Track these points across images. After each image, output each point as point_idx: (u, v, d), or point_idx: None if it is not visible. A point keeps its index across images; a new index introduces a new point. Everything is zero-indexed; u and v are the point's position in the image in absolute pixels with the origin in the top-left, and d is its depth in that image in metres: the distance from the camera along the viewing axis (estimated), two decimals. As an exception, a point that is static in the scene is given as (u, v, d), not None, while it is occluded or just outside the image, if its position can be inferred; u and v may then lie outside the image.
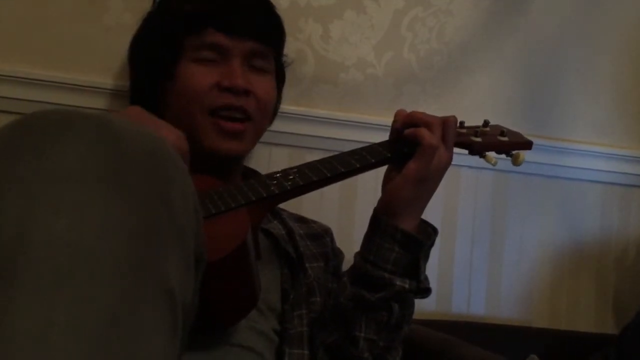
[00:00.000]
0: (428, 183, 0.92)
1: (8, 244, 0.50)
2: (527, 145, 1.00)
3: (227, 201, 0.85)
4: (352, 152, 0.94)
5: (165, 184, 0.57)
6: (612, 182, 1.54)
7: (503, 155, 0.99)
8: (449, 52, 1.42)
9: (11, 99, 1.16)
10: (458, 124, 0.97)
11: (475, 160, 1.00)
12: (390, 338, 0.95)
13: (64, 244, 0.50)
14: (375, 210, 0.95)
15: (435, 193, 0.95)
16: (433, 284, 0.96)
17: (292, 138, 1.31)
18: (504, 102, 1.46)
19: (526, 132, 1.04)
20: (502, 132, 0.99)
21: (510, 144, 0.99)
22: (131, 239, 0.53)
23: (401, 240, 0.91)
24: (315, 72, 1.34)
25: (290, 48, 1.20)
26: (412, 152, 0.91)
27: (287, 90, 1.20)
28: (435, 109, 1.31)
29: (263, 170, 1.14)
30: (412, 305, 0.97)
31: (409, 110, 0.96)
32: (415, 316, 0.99)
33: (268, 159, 1.30)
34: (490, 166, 0.98)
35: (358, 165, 0.92)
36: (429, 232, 0.95)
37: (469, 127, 1.00)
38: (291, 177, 0.90)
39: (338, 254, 1.13)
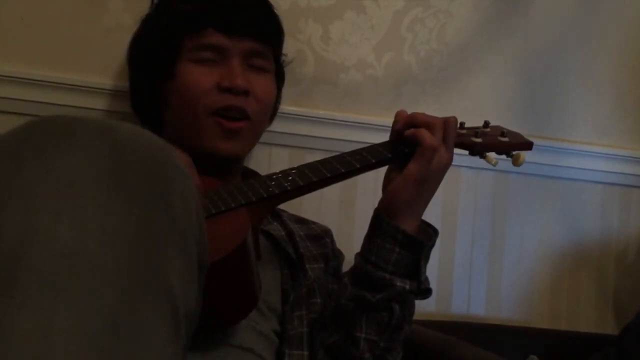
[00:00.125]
0: (428, 184, 0.92)
1: (10, 247, 0.50)
2: (528, 146, 1.00)
3: (227, 201, 0.86)
4: (353, 153, 0.94)
5: (166, 186, 0.57)
6: (612, 183, 1.54)
7: (503, 156, 0.99)
8: (449, 53, 1.42)
9: (11, 99, 1.16)
10: (458, 125, 0.97)
11: (476, 160, 1.00)
12: (390, 339, 0.95)
13: (65, 247, 0.50)
14: (376, 211, 0.95)
15: (435, 193, 0.95)
16: (433, 284, 0.96)
17: (292, 138, 1.31)
18: (504, 102, 1.46)
19: (526, 133, 1.04)
20: (503, 132, 0.99)
21: (510, 145, 0.98)
22: (132, 241, 0.53)
23: (402, 241, 0.91)
24: (315, 73, 1.34)
25: (290, 49, 1.21)
26: (412, 152, 0.91)
27: (287, 91, 1.20)
28: (435, 109, 1.31)
29: (263, 170, 1.14)
30: (413, 306, 0.97)
31: (409, 110, 0.96)
32: (415, 316, 0.99)
33: (268, 159, 1.30)
34: (490, 167, 0.98)
35: (358, 166, 0.92)
36: (429, 233, 0.95)
37: (469, 128, 1.00)
38: (291, 177, 0.90)
39: (338, 255, 1.13)
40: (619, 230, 1.55)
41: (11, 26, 1.18)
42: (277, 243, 1.02)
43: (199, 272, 0.62)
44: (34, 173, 0.53)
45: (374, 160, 0.93)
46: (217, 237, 0.73)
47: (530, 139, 1.01)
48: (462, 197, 1.44)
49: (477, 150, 0.98)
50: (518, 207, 1.48)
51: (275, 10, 1.10)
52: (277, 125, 1.20)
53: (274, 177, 0.91)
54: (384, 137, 0.98)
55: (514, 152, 0.98)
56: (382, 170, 0.98)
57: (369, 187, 1.32)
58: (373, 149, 0.95)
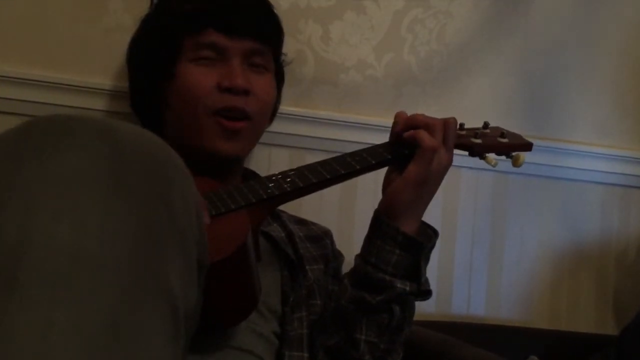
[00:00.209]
0: (428, 185, 0.92)
1: (10, 247, 0.50)
2: (527, 146, 1.00)
3: (227, 203, 0.85)
4: (352, 154, 0.94)
5: (166, 186, 0.57)
6: (612, 183, 1.53)
7: (503, 157, 0.99)
8: (448, 54, 1.42)
9: (11, 100, 1.16)
10: (458, 126, 0.97)
11: (475, 161, 1.00)
12: (391, 340, 0.95)
13: (65, 247, 0.50)
14: (376, 213, 0.95)
15: (435, 194, 0.95)
16: (433, 285, 0.96)
17: (292, 139, 1.31)
18: (504, 103, 1.46)
19: (526, 133, 1.04)
20: (502, 133, 0.99)
21: (510, 146, 0.99)
22: (131, 241, 0.53)
23: (402, 242, 0.91)
24: (315, 73, 1.34)
25: (290, 49, 1.21)
26: (412, 154, 0.91)
27: (287, 91, 1.20)
28: (435, 110, 1.31)
29: (263, 171, 1.14)
30: (413, 307, 0.97)
31: (408, 111, 0.96)
32: (415, 317, 0.99)
33: (268, 160, 1.30)
34: (490, 167, 0.98)
35: (358, 167, 0.92)
36: (429, 235, 0.95)
37: (468, 129, 1.00)
38: (290, 179, 0.90)
39: (338, 256, 1.13)
40: (619, 230, 1.55)
41: (11, 26, 1.18)
42: (276, 244, 1.02)
43: (199, 272, 0.62)
44: (34, 173, 0.53)
45: (373, 162, 0.93)
46: (217, 238, 0.73)
47: (530, 139, 1.01)
48: (462, 197, 1.44)
49: (476, 151, 0.98)
50: (518, 207, 1.48)
51: (275, 10, 1.10)
52: (277, 126, 1.20)
53: (274, 178, 0.91)
54: (384, 137, 0.98)
55: (513, 153, 0.98)
56: (382, 172, 0.98)
57: (368, 189, 1.32)
58: (373, 150, 0.95)
